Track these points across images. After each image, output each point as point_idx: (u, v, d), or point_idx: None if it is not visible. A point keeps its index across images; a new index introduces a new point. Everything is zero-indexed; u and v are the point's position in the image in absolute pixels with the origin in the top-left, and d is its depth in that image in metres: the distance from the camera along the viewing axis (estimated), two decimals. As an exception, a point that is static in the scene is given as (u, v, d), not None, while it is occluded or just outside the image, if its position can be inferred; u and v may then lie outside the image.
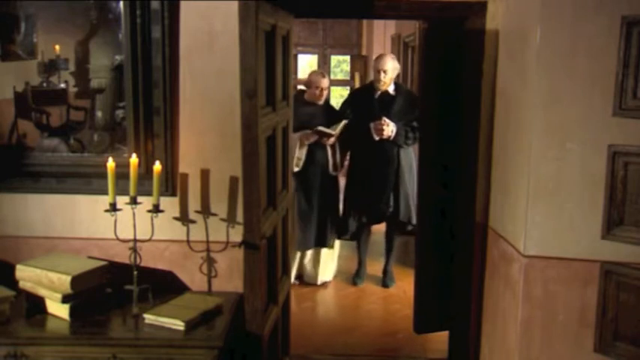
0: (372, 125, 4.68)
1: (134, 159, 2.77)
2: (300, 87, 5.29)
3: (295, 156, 4.64)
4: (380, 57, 4.92)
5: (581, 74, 2.56)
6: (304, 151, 4.71)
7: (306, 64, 13.01)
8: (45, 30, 3.12)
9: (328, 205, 4.87)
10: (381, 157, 4.76)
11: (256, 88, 2.57)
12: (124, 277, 2.85)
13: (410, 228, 4.91)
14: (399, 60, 8.04)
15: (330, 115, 4.91)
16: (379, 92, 4.84)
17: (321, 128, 4.68)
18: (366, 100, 4.88)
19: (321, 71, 5.37)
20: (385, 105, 4.78)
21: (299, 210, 4.78)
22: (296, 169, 4.67)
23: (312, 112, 4.83)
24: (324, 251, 4.99)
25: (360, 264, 5.15)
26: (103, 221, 2.94)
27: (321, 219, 4.84)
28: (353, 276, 5.09)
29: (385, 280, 5.07)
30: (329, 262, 5.08)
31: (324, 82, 4.86)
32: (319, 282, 5.03)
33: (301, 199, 4.78)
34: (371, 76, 11.67)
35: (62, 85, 3.15)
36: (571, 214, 2.64)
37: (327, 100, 5.18)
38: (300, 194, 4.77)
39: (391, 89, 4.84)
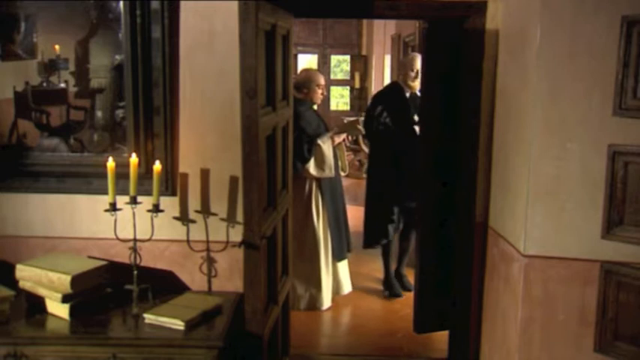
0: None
1: (134, 159, 2.77)
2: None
3: (327, 162, 4.37)
4: (413, 56, 4.77)
5: (581, 74, 2.56)
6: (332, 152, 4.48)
7: (306, 64, 13.01)
8: (45, 30, 3.11)
9: (344, 209, 4.72)
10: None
11: (256, 88, 2.57)
12: (124, 277, 2.85)
13: None
14: (398, 60, 8.05)
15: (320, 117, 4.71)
16: (410, 93, 4.75)
17: (359, 127, 4.59)
18: (399, 101, 4.74)
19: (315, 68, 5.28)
20: (417, 106, 4.63)
21: (330, 217, 4.54)
22: (333, 175, 4.47)
23: (316, 115, 4.62)
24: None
25: (392, 271, 5.00)
26: (103, 221, 2.94)
27: (346, 223, 4.70)
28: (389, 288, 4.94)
29: (407, 283, 4.92)
30: (346, 270, 4.82)
31: (323, 80, 4.63)
32: (346, 292, 4.77)
33: (329, 204, 4.54)
34: (372, 76, 11.71)
35: (62, 85, 3.15)
36: (571, 214, 2.64)
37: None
38: (328, 200, 4.53)
39: (417, 89, 4.71)
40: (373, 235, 4.84)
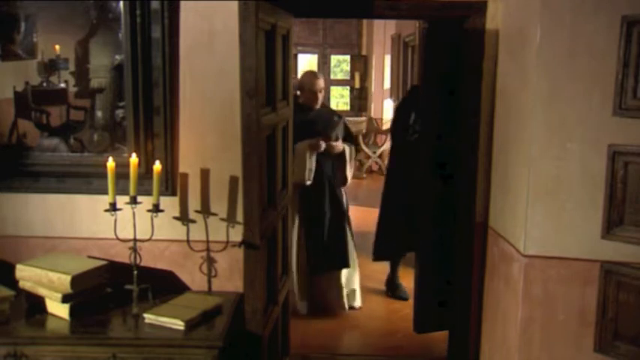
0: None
1: (134, 159, 2.76)
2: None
3: (306, 168, 4.26)
4: None
5: (581, 74, 2.56)
6: (314, 160, 4.30)
7: (306, 64, 13.00)
8: (45, 30, 3.11)
9: (339, 224, 4.46)
10: None
11: (256, 88, 2.57)
12: (124, 276, 2.85)
13: None
14: (398, 60, 8.06)
15: (328, 121, 4.47)
16: None
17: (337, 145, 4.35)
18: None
19: (315, 71, 4.97)
20: None
21: (307, 229, 4.40)
22: (308, 183, 4.30)
23: (310, 118, 4.40)
24: (345, 272, 4.55)
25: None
26: (103, 221, 2.94)
27: (333, 238, 4.44)
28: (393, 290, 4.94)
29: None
30: (353, 284, 4.63)
31: (319, 84, 4.44)
32: (356, 306, 4.63)
33: (309, 216, 4.40)
34: (372, 76, 11.71)
35: (62, 85, 3.15)
36: (571, 214, 2.64)
37: (324, 104, 4.71)
38: (307, 212, 4.39)
39: None
40: (388, 249, 4.75)
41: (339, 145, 4.41)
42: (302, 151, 4.23)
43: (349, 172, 4.55)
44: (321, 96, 4.48)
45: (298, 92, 4.56)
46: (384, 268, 5.12)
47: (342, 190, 4.57)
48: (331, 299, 4.54)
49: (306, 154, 4.26)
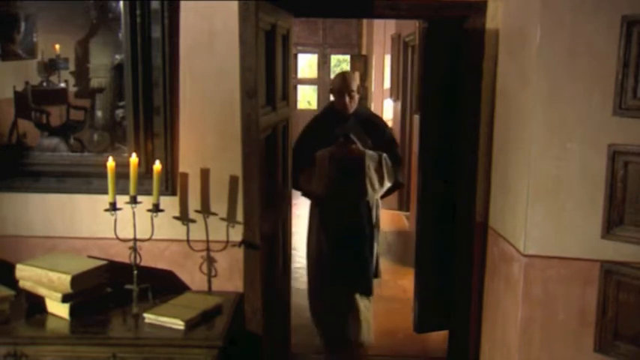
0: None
1: (134, 158, 2.76)
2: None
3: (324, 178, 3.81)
4: None
5: (581, 74, 2.56)
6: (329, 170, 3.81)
7: (306, 63, 13.01)
8: (45, 30, 3.11)
9: (360, 246, 3.90)
10: None
11: (256, 87, 2.57)
12: (124, 276, 2.85)
13: None
14: (398, 60, 8.05)
15: (360, 130, 3.88)
16: None
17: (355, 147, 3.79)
18: None
19: (346, 71, 4.43)
20: None
21: (318, 250, 3.93)
22: (316, 191, 3.88)
23: (339, 123, 3.91)
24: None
25: None
26: (103, 221, 2.94)
27: (348, 262, 3.90)
28: None
29: None
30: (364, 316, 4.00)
31: (346, 85, 3.85)
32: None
33: (322, 235, 3.91)
34: (372, 76, 11.72)
35: (62, 85, 3.15)
36: (571, 213, 2.64)
37: (359, 110, 4.00)
38: (322, 229, 3.91)
39: None
40: None
41: (358, 147, 3.81)
42: (322, 160, 3.81)
43: (374, 185, 3.85)
44: (350, 99, 3.86)
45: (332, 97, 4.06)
46: (386, 267, 5.12)
47: (373, 204, 3.95)
48: (348, 334, 3.96)
49: (326, 163, 3.80)
